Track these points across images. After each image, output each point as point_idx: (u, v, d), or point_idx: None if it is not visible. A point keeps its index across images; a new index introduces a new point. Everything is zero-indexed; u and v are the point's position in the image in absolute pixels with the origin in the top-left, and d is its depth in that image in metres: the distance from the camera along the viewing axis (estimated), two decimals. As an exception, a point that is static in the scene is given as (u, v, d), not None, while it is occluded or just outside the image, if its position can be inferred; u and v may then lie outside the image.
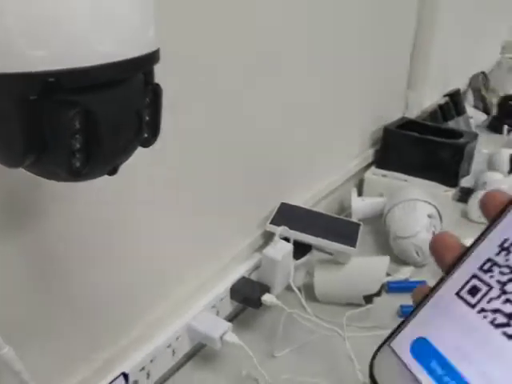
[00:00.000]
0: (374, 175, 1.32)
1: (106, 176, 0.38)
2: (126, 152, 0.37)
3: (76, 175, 0.34)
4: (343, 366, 0.84)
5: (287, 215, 0.98)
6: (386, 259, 0.96)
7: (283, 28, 0.88)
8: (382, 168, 1.33)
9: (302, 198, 1.09)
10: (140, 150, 0.39)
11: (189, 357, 0.85)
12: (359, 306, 0.96)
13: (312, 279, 1.00)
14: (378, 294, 0.96)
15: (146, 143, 0.39)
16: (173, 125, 0.67)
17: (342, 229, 0.98)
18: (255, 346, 0.80)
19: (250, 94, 0.84)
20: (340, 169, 1.24)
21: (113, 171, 0.37)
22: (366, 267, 0.97)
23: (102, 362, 0.69)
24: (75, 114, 0.31)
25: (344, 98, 1.15)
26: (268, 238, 0.99)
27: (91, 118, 0.32)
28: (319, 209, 1.08)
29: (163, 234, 0.75)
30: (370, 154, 1.36)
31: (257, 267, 0.95)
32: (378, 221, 1.21)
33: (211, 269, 0.86)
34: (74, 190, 0.56)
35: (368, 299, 0.96)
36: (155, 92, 0.38)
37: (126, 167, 0.40)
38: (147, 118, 0.38)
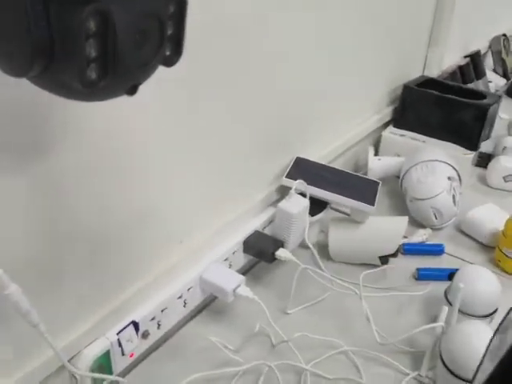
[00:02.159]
0: (392, 134, 1.28)
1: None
2: (146, 68, 0.33)
3: (91, 87, 0.30)
4: (358, 326, 0.81)
5: (303, 170, 0.94)
6: (405, 220, 0.93)
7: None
8: (400, 127, 1.29)
9: (318, 154, 1.05)
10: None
11: (200, 309, 0.83)
12: (374, 266, 0.94)
13: (326, 237, 0.97)
14: (394, 254, 0.93)
15: (169, 61, 0.35)
16: (192, 65, 0.64)
17: (360, 186, 0.95)
18: (267, 302, 0.77)
19: (269, 45, 0.79)
20: (357, 126, 1.19)
21: (132, 90, 0.33)
22: (383, 227, 0.93)
23: (112, 309, 0.66)
24: (89, 14, 0.27)
25: (364, 54, 1.10)
26: (283, 192, 0.95)
27: (108, 20, 0.28)
28: (335, 166, 1.04)
29: (177, 182, 0.71)
30: (387, 112, 1.31)
31: (270, 222, 0.91)
32: (394, 181, 1.17)
33: (224, 221, 0.83)
34: (85, 118, 0.53)
35: (384, 260, 0.94)
36: (180, 3, 0.33)
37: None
38: (170, 32, 0.34)
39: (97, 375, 0.61)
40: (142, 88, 0.35)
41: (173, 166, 0.69)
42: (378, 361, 0.76)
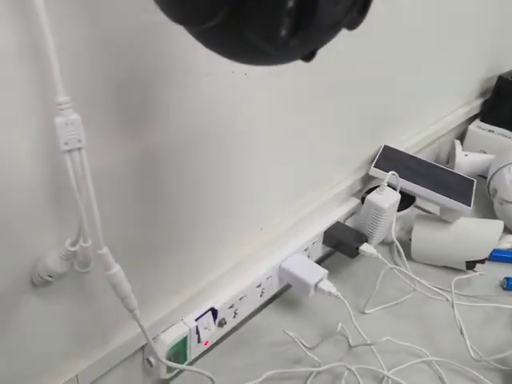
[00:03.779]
0: (479, 129, 1.18)
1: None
2: (334, 29, 0.27)
3: (279, 45, 0.23)
4: (445, 335, 0.75)
5: (392, 160, 0.87)
6: (500, 224, 0.85)
7: None
8: (489, 122, 1.18)
9: (402, 145, 0.97)
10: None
11: (273, 297, 0.77)
12: (458, 270, 0.86)
13: (406, 235, 0.89)
14: (483, 261, 0.85)
15: (353, 24, 0.28)
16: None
17: (454, 184, 0.87)
18: (344, 298, 0.71)
19: (362, 32, 0.71)
20: (443, 117, 1.10)
21: (311, 55, 0.27)
22: (476, 230, 0.85)
23: (191, 294, 0.62)
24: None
25: (456, 41, 0.99)
26: (366, 182, 0.88)
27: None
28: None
29: (260, 168, 0.65)
30: (476, 105, 1.21)
31: (352, 213, 0.85)
32: (480, 180, 1.08)
33: (306, 209, 0.77)
34: (183, 98, 0.47)
35: (470, 265, 0.86)
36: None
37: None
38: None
39: (178, 365, 0.57)
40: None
41: (257, 153, 0.63)
42: (466, 376, 0.70)
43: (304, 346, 0.70)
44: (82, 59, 0.36)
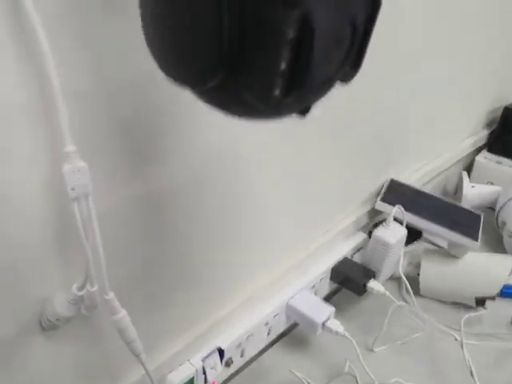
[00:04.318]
0: (486, 160, 1.18)
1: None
2: (327, 86, 0.28)
3: (273, 105, 0.24)
4: (458, 377, 0.73)
5: (398, 194, 0.87)
6: (510, 259, 0.84)
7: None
8: (496, 153, 1.19)
9: (409, 178, 0.97)
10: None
11: (280, 335, 0.77)
12: (467, 306, 0.85)
13: (414, 270, 0.89)
14: (493, 297, 0.84)
15: (347, 77, 0.29)
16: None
17: (460, 217, 0.86)
18: (352, 336, 0.71)
19: (367, 68, 0.72)
20: (450, 149, 1.11)
21: (305, 110, 0.28)
22: (486, 265, 0.85)
23: (198, 334, 0.61)
24: (294, 18, 0.22)
25: (463, 71, 1.00)
26: (373, 216, 0.88)
27: (308, 25, 0.23)
28: (424, 190, 0.95)
29: (270, 205, 0.66)
30: (483, 135, 1.21)
31: (360, 248, 0.85)
32: (488, 212, 1.07)
33: (314, 245, 0.77)
34: (188, 139, 0.48)
35: (480, 302, 0.85)
36: (374, 5, 0.27)
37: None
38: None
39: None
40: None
41: (264, 192, 0.64)
42: (477, 418, 0.68)
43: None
44: (87, 108, 0.37)
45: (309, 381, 0.69)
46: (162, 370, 0.58)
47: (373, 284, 0.77)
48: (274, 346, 0.76)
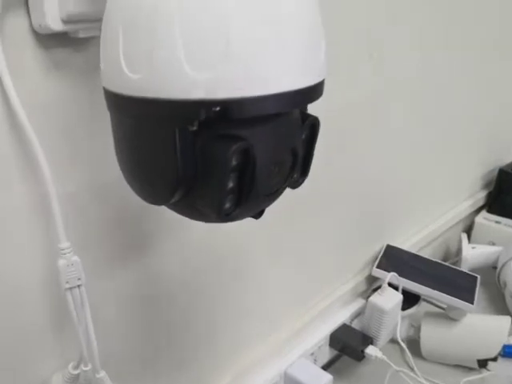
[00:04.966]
0: (486, 220, 1.20)
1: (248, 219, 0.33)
2: (276, 194, 0.32)
3: (224, 217, 0.29)
4: None
5: (394, 260, 0.90)
6: (508, 321, 0.85)
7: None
8: (495, 213, 1.21)
9: (407, 242, 1.00)
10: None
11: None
12: (470, 369, 0.86)
13: (417, 333, 0.90)
14: (495, 358, 0.85)
15: (295, 184, 0.34)
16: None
17: (456, 280, 0.89)
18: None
19: (354, 133, 0.77)
20: (448, 212, 1.14)
21: (259, 214, 0.33)
22: (483, 327, 0.86)
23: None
24: (236, 150, 0.27)
25: (453, 135, 1.05)
26: (372, 282, 0.91)
27: (250, 155, 0.28)
28: (424, 254, 0.98)
29: (267, 276, 0.70)
30: (481, 196, 1.24)
31: (358, 314, 0.87)
32: (489, 272, 1.09)
33: (312, 313, 0.80)
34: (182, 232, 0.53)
35: (482, 363, 0.85)
36: (313, 127, 0.33)
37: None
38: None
39: None
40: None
41: (265, 263, 0.68)
42: None
43: None
44: (79, 207, 0.43)
45: None
46: None
47: (371, 350, 0.79)
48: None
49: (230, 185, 0.28)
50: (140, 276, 0.50)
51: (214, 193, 0.28)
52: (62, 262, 0.40)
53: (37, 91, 0.37)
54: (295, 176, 0.34)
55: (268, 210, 0.64)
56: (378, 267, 0.87)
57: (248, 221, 0.61)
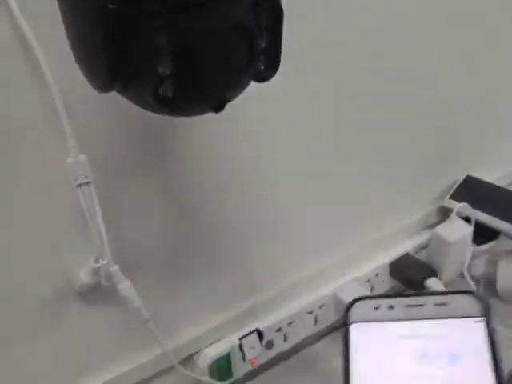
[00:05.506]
0: None
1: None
2: (232, 86, 0.31)
3: (166, 105, 0.29)
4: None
5: (472, 191, 0.82)
6: None
7: None
8: None
9: (490, 176, 0.90)
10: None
11: (333, 329, 0.78)
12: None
13: (495, 271, 0.83)
14: None
15: (261, 76, 0.32)
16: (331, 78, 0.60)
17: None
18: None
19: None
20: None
21: (218, 107, 0.32)
22: None
23: (238, 313, 0.66)
24: (160, 28, 0.26)
25: None
26: (445, 215, 0.84)
27: (180, 35, 0.27)
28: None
29: (323, 191, 0.68)
30: None
31: (425, 246, 0.82)
32: None
33: (372, 237, 0.77)
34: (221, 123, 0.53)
35: None
36: (275, 16, 0.30)
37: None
38: (263, 45, 0.31)
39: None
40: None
41: (323, 175, 0.66)
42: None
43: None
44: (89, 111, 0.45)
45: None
46: (199, 345, 0.64)
47: (431, 281, 0.74)
48: (326, 338, 0.78)
49: (166, 71, 0.28)
50: (162, 188, 0.52)
51: (149, 79, 0.28)
52: (69, 160, 0.42)
53: None
54: (262, 67, 0.32)
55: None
56: (451, 197, 0.81)
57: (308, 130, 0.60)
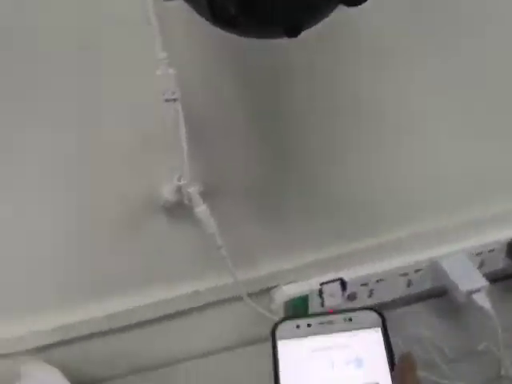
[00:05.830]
0: None
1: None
2: (306, 7, 0.26)
3: (226, 23, 0.25)
4: None
5: None
6: None
7: None
8: None
9: None
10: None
11: (426, 296, 0.72)
12: None
13: None
14: None
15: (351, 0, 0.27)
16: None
17: None
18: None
19: None
20: None
21: (291, 31, 0.27)
22: None
23: (325, 258, 0.64)
24: None
25: None
26: None
27: None
28: None
29: (444, 150, 0.60)
30: None
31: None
32: None
33: (497, 209, 0.67)
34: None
35: None
36: None
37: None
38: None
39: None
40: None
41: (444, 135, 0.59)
42: None
43: (441, 356, 0.64)
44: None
45: (440, 346, 0.65)
46: (279, 281, 0.64)
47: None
48: (418, 304, 0.72)
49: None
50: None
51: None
52: (158, 72, 0.42)
53: None
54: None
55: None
56: None
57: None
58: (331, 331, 0.31)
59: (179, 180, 0.48)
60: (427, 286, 0.70)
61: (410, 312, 0.71)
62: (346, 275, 0.65)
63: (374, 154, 0.58)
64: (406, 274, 0.67)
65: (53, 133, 0.45)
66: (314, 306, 0.66)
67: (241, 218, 0.56)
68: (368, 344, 0.31)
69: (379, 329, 0.31)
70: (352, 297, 0.67)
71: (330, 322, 0.31)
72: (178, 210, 0.52)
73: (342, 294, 0.66)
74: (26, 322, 0.57)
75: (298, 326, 0.31)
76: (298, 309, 0.65)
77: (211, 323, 0.65)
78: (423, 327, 0.68)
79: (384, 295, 0.69)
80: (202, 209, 0.48)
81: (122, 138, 0.47)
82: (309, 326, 0.31)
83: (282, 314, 0.64)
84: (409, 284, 0.69)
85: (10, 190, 0.48)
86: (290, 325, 0.31)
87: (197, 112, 0.46)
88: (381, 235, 0.65)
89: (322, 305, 0.66)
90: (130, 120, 0.46)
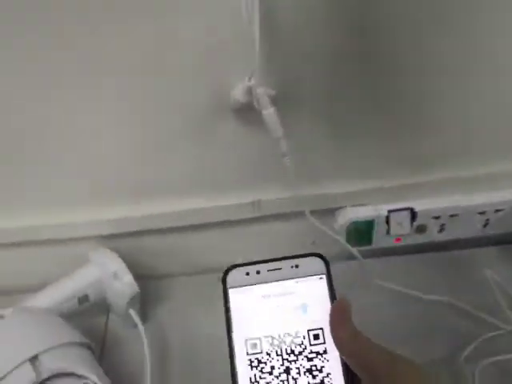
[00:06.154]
0: None
1: None
2: None
3: None
4: None
5: None
6: None
7: None
8: None
9: None
10: None
11: (503, 240, 0.67)
12: None
13: None
14: None
15: None
16: None
17: None
18: None
19: None
20: None
21: None
22: None
23: (394, 185, 0.60)
24: None
25: None
26: None
27: None
28: None
29: None
30: None
31: None
32: None
33: None
34: None
35: None
36: None
37: None
38: None
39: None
40: None
41: None
42: None
43: (508, 301, 0.60)
44: None
45: (507, 291, 0.61)
46: (344, 202, 0.61)
47: None
48: (493, 246, 0.67)
49: None
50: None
51: None
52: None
53: None
54: None
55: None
56: None
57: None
58: (279, 278, 0.32)
59: (249, 80, 0.46)
60: (506, 229, 0.65)
61: (481, 253, 0.67)
62: (418, 205, 0.61)
63: (471, 78, 0.52)
64: (483, 213, 0.62)
65: (132, 25, 0.44)
66: (379, 232, 0.63)
67: (310, 131, 0.53)
68: (313, 290, 0.32)
69: (324, 276, 0.32)
70: (421, 229, 0.64)
71: (278, 269, 0.32)
72: (247, 113, 0.50)
73: (411, 225, 0.63)
74: (97, 211, 0.60)
75: (247, 273, 0.32)
76: (362, 233, 0.63)
77: (271, 236, 0.64)
78: (492, 271, 0.64)
79: (456, 232, 0.65)
80: (270, 111, 0.46)
81: (198, 36, 0.45)
82: (258, 272, 0.32)
83: (344, 236, 0.62)
84: (485, 224, 0.64)
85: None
86: (240, 271, 0.33)
87: (275, 9, 0.42)
88: (469, 168, 0.60)
89: (388, 232, 0.63)
90: (206, 17, 0.44)
